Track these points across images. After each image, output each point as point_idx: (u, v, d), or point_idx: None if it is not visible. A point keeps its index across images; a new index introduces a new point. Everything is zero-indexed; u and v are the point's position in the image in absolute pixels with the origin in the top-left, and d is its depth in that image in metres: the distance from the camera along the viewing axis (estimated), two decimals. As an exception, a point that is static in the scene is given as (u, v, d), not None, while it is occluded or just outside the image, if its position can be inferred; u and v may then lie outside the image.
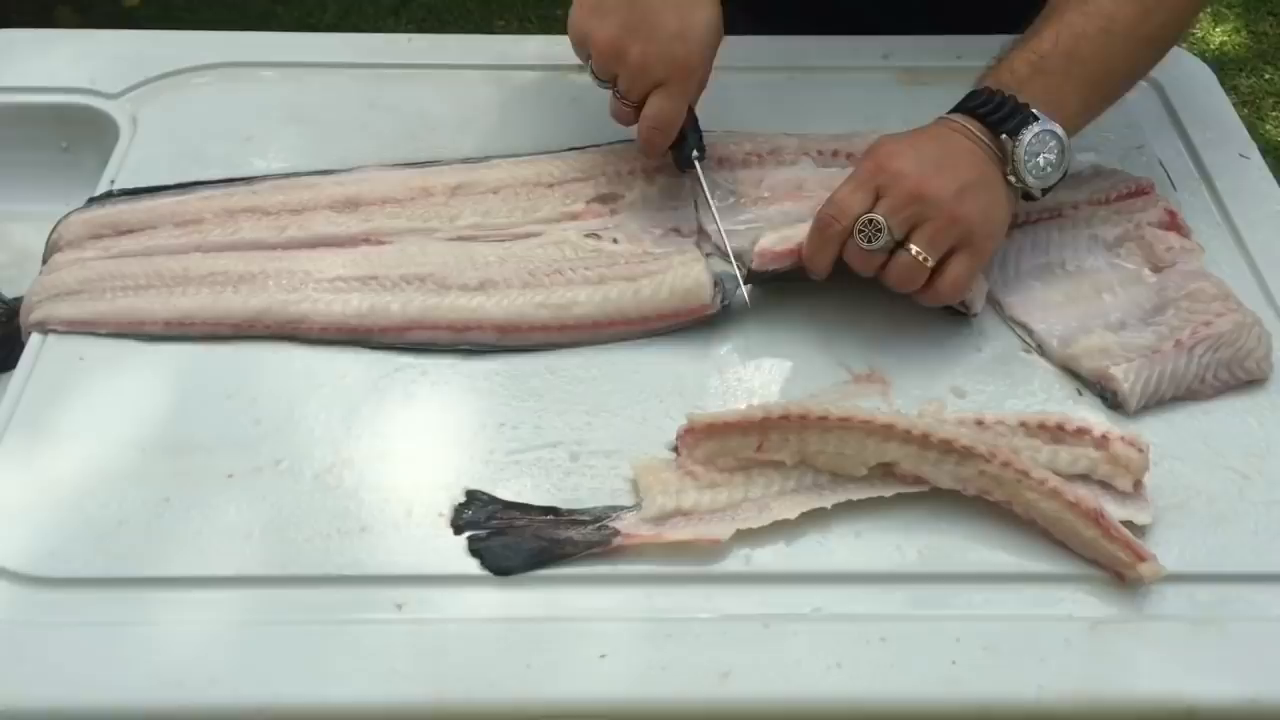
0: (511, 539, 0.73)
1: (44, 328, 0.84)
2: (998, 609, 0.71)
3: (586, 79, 0.89)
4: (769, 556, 0.73)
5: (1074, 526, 0.72)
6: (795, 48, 1.10)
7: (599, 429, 0.79)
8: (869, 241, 0.80)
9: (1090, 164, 0.96)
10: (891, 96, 1.05)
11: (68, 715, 0.66)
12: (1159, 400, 0.81)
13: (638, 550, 0.72)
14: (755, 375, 0.83)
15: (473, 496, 0.75)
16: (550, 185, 0.92)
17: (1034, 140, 0.80)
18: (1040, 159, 0.81)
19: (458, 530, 0.73)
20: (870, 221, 0.79)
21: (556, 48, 1.02)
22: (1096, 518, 0.71)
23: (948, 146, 0.82)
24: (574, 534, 0.73)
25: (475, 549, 0.72)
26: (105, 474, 0.75)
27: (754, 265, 0.84)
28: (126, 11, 2.68)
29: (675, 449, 0.78)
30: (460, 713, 0.67)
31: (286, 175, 0.94)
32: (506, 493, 0.75)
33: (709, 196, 0.88)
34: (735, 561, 0.72)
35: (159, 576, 0.70)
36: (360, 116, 1.01)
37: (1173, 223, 0.90)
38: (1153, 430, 0.79)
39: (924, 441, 0.74)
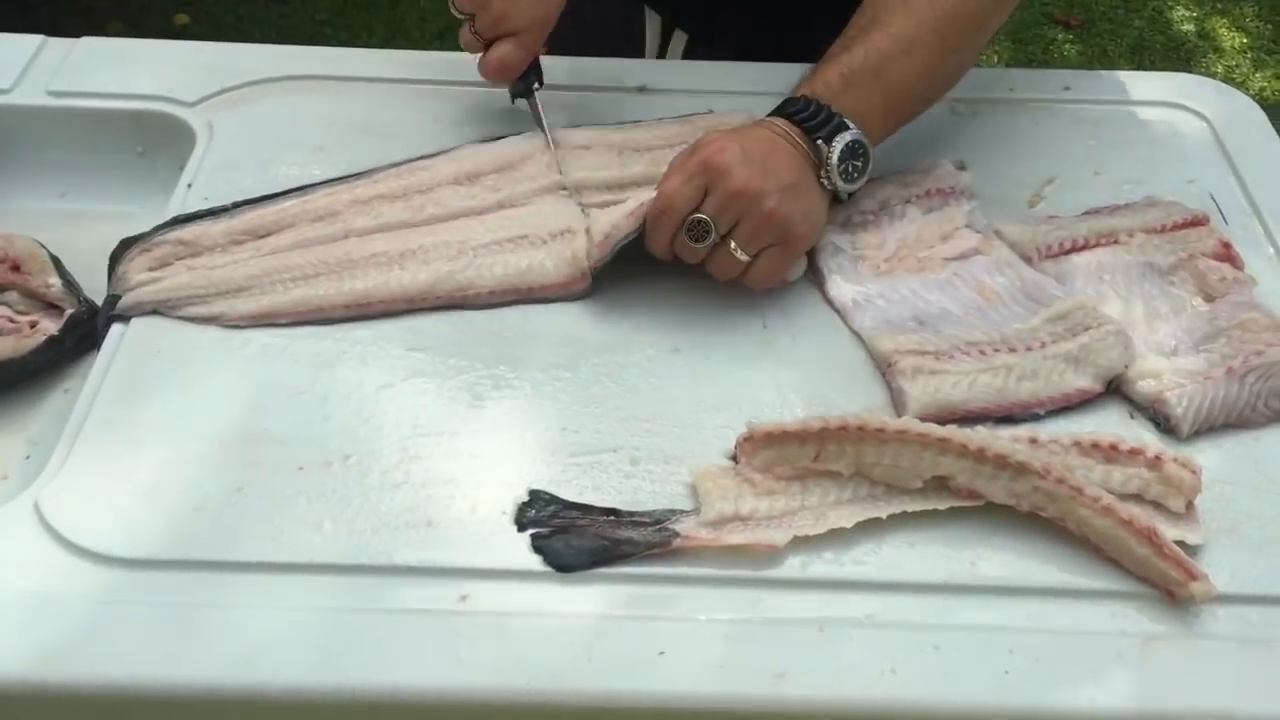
0: (573, 537, 0.74)
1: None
2: (1050, 622, 0.72)
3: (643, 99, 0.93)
4: (824, 564, 0.74)
5: (1127, 544, 0.73)
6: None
7: (658, 436, 0.81)
8: (697, 240, 0.86)
9: (1146, 196, 0.98)
10: (946, 126, 1.07)
11: (143, 691, 0.67)
12: (1210, 426, 0.82)
13: (695, 553, 0.74)
14: (811, 388, 0.85)
15: (535, 495, 0.77)
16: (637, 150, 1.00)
17: (845, 148, 0.88)
18: (850, 165, 0.89)
19: (521, 527, 0.75)
20: (698, 222, 0.85)
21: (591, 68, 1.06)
22: (1149, 535, 0.72)
23: (770, 146, 0.87)
24: (634, 534, 0.74)
25: (538, 546, 0.74)
26: (182, 462, 0.77)
27: (597, 255, 0.89)
28: (177, 29, 2.75)
29: (733, 457, 0.79)
30: (522, 703, 0.68)
31: (394, 165, 0.98)
32: (568, 493, 0.77)
33: (544, 122, 1.00)
34: (791, 568, 0.74)
35: (232, 561, 0.72)
36: (426, 129, 1.04)
37: (1226, 254, 0.92)
38: (1204, 455, 0.80)
39: (979, 456, 0.75)
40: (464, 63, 1.02)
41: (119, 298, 0.89)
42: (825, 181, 0.88)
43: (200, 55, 1.11)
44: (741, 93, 1.08)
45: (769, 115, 0.91)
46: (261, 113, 1.06)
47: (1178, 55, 2.83)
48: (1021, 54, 2.81)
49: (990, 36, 0.99)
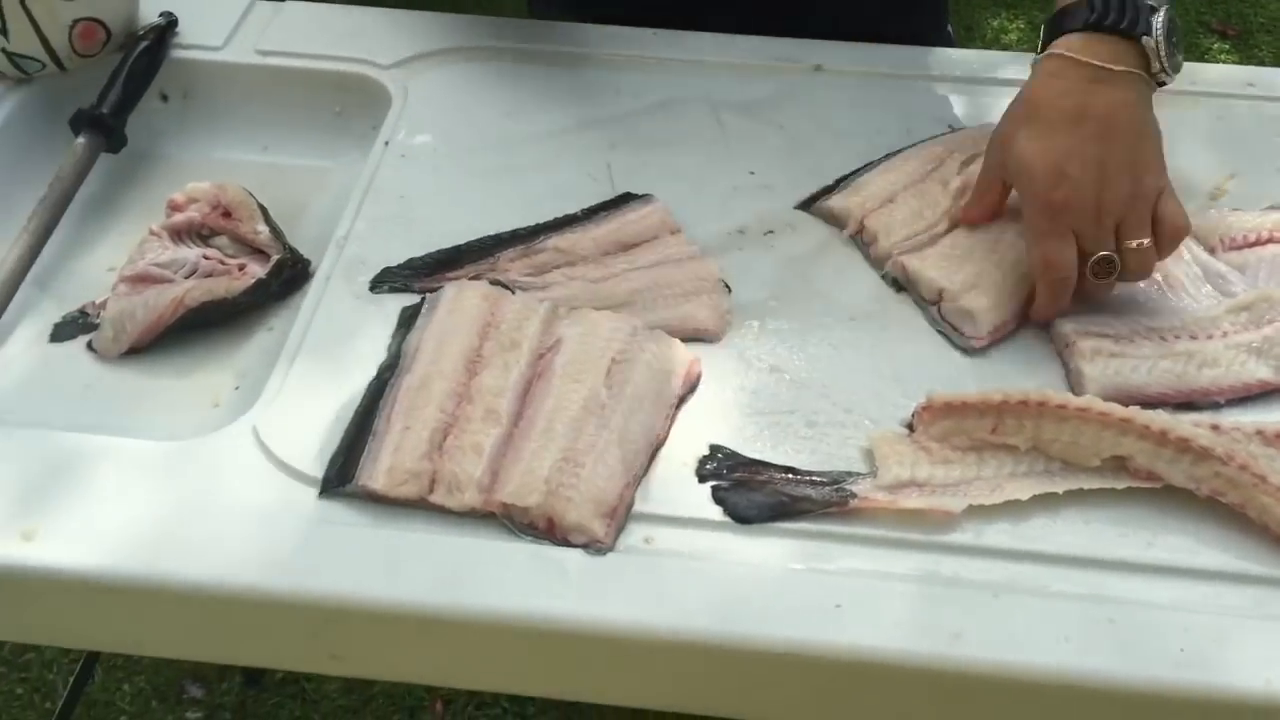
0: (752, 491, 0.77)
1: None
2: (1227, 604, 0.72)
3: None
4: (998, 533, 0.76)
5: (1309, 533, 0.73)
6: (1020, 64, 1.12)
7: (835, 401, 0.83)
8: (1106, 276, 0.82)
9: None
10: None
11: (352, 604, 0.72)
12: (1397, 425, 0.81)
13: (871, 514, 0.76)
14: (987, 363, 0.86)
15: (716, 450, 0.80)
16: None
17: (1165, 24, 0.78)
18: (1174, 40, 0.79)
19: (702, 479, 0.78)
20: (1100, 260, 0.81)
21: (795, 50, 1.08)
22: (1334, 526, 0.72)
23: (1077, 120, 0.78)
24: (812, 492, 0.77)
25: (718, 498, 0.77)
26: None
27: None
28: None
29: (909, 426, 0.81)
30: (697, 642, 0.71)
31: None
32: (746, 450, 0.80)
33: None
34: (965, 535, 0.75)
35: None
36: (610, 103, 1.07)
37: None
38: (1390, 453, 0.79)
39: (1161, 439, 0.76)
40: (645, 38, 1.05)
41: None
42: (1163, 76, 0.80)
43: (398, 21, 1.16)
44: (918, 77, 1.09)
45: (1053, 41, 0.80)
46: (453, 77, 1.10)
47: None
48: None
49: None
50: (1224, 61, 2.78)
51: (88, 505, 0.76)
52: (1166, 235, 0.82)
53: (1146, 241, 0.81)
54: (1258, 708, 0.68)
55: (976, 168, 0.91)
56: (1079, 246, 0.82)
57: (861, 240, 0.94)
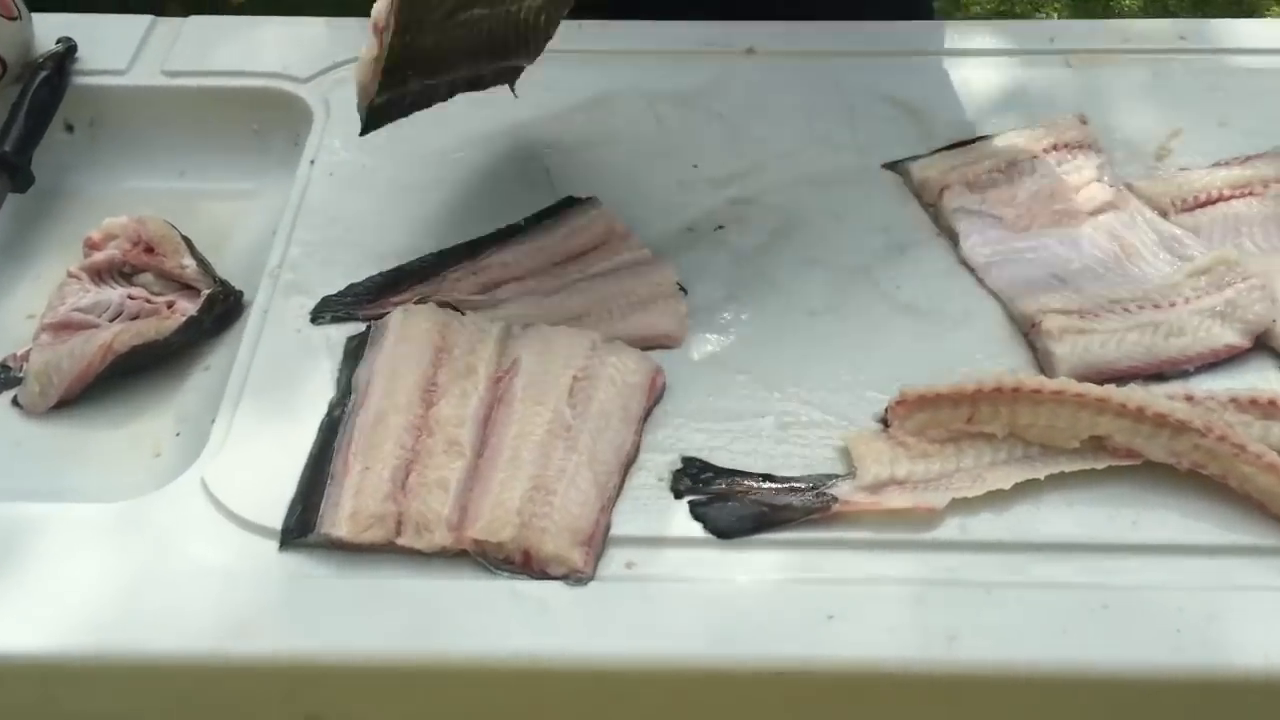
0: (731, 504, 0.75)
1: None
2: (1218, 579, 0.71)
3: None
4: (983, 525, 0.74)
5: (1293, 500, 0.72)
6: (959, 31, 1.11)
7: (803, 401, 0.81)
8: None
9: (1275, 145, 0.96)
10: (1063, 79, 1.06)
11: (327, 662, 0.69)
12: (1365, 379, 0.81)
13: (853, 517, 0.74)
14: (952, 350, 0.84)
15: (689, 463, 0.77)
16: None
17: None
18: None
19: (678, 495, 0.76)
20: None
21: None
22: (1317, 491, 0.72)
23: None
24: (793, 500, 0.74)
25: (697, 513, 0.74)
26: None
27: None
28: (234, 8, 2.74)
29: (883, 420, 0.79)
30: (692, 668, 0.69)
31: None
32: (720, 460, 0.77)
33: None
34: (950, 529, 0.74)
35: (399, 534, 0.73)
36: (541, 102, 1.03)
37: (1367, 202, 0.90)
38: (1360, 408, 0.79)
39: (1138, 415, 0.74)
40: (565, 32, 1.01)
41: None
42: None
43: (311, 30, 1.12)
44: (855, 53, 1.07)
45: None
46: (374, 86, 1.05)
47: (1239, 8, 2.76)
48: (1082, 10, 2.75)
49: None
50: (1128, 5, 2.79)
51: (30, 582, 0.71)
52: None
53: None
54: (1259, 685, 0.67)
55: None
56: None
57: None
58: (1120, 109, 1.03)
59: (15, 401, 0.87)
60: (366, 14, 0.81)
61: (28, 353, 0.88)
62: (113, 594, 0.70)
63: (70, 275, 0.92)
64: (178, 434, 0.85)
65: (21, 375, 0.87)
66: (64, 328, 0.88)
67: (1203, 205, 0.92)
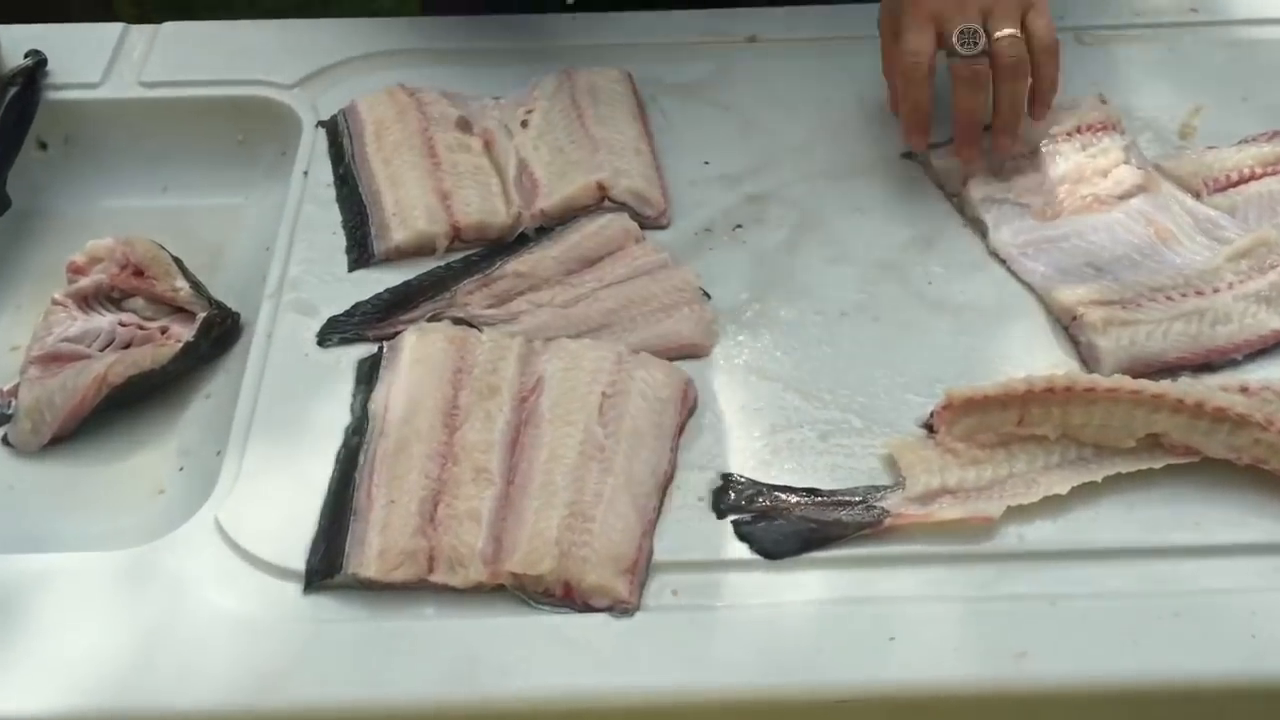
0: (778, 521, 0.71)
1: None
2: (1288, 579, 0.69)
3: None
4: (1041, 533, 0.71)
5: (1360, 493, 0.70)
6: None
7: (841, 408, 0.77)
8: (972, 45, 0.84)
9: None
10: (1077, 58, 1.02)
11: (358, 709, 0.65)
12: None
13: (905, 530, 0.71)
14: (991, 347, 0.81)
15: (729, 479, 0.73)
16: None
17: None
18: None
19: (721, 514, 0.72)
20: (963, 31, 0.84)
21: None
22: (1386, 483, 0.69)
23: None
24: (842, 515, 0.71)
25: (742, 533, 0.71)
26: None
27: None
28: (186, 5, 2.66)
29: (927, 425, 0.76)
30: (747, 699, 0.65)
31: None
32: (760, 475, 0.74)
33: None
34: (1008, 539, 0.71)
35: (430, 570, 0.69)
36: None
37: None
38: None
39: (1196, 410, 0.71)
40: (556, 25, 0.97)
41: None
42: None
43: (290, 32, 1.07)
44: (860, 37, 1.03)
45: None
46: (363, 90, 1.00)
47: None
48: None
49: None
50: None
51: (33, 643, 0.66)
52: (1039, 48, 0.85)
53: (1017, 32, 0.84)
54: (1343, 689, 0.65)
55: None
56: (941, 33, 0.85)
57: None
58: (1138, 87, 1.00)
59: (5, 440, 0.82)
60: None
61: (15, 388, 0.83)
62: (125, 652, 0.66)
63: (55, 303, 0.87)
64: (181, 468, 0.81)
65: (11, 412, 0.82)
66: (53, 359, 0.83)
67: (1235, 185, 0.89)
